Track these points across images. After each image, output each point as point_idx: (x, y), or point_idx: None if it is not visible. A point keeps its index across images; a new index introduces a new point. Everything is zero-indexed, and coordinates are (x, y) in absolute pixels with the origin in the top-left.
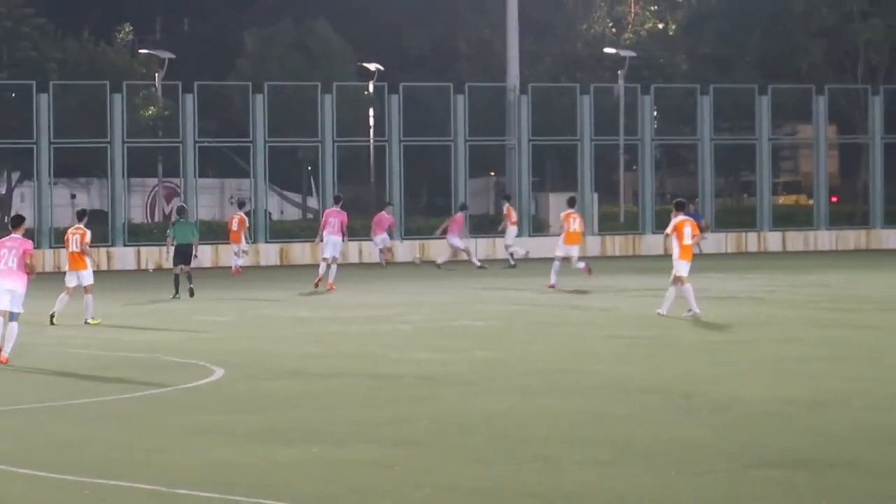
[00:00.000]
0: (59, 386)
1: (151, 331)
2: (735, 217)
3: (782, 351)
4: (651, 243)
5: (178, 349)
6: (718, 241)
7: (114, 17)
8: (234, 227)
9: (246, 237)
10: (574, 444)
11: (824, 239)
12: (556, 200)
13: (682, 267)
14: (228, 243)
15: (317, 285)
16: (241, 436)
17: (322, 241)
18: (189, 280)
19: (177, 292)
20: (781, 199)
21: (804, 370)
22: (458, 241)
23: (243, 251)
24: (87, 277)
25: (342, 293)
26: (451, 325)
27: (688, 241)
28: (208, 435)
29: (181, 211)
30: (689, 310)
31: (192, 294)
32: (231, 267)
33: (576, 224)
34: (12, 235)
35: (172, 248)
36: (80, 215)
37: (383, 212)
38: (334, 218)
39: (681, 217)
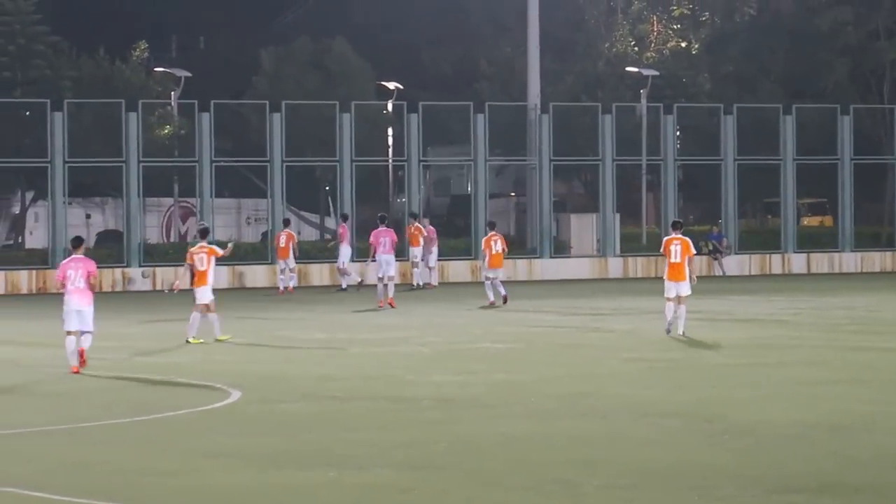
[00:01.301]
0: (72, 408)
1: (166, 352)
2: (759, 238)
3: (806, 374)
4: None
5: (193, 371)
6: (742, 263)
7: (129, 34)
8: (282, 243)
9: (295, 254)
10: (594, 468)
11: (849, 261)
12: (577, 221)
13: (667, 287)
14: (247, 264)
15: (381, 305)
16: (257, 459)
17: (374, 260)
18: None
19: None
20: (806, 221)
21: (828, 393)
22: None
23: (290, 270)
24: (206, 295)
25: (361, 315)
26: (470, 348)
27: (675, 259)
28: (223, 458)
29: (204, 232)
30: (674, 332)
31: None
32: (279, 287)
33: (497, 246)
34: (74, 256)
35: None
36: (204, 233)
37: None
38: (385, 237)
39: (669, 236)
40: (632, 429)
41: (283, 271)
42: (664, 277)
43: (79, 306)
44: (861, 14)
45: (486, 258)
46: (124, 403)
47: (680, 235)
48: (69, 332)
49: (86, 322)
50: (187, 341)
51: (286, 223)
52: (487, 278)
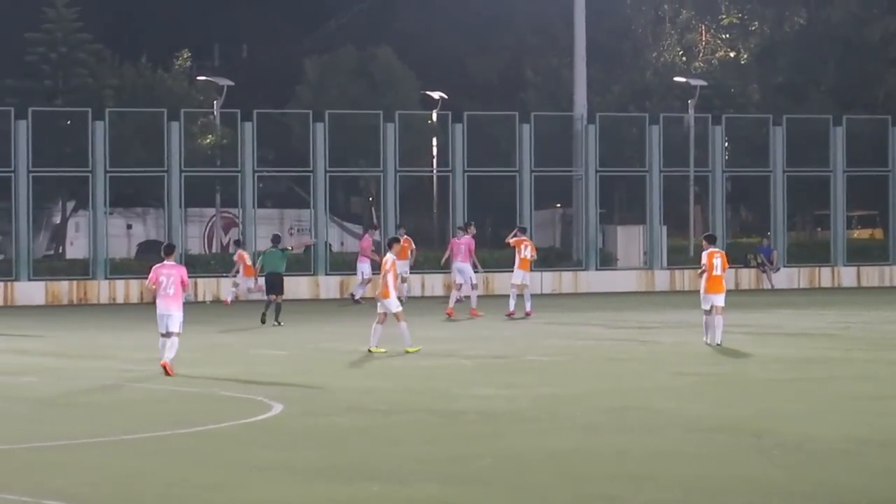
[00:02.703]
0: (114, 420)
1: (208, 364)
2: (808, 251)
3: (856, 389)
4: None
5: (235, 383)
6: (791, 276)
7: (172, 43)
8: (248, 261)
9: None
10: (641, 484)
11: None
12: (624, 233)
13: (706, 298)
14: (290, 275)
15: (449, 314)
16: (300, 473)
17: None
18: (277, 311)
19: (264, 320)
20: (856, 233)
21: (878, 409)
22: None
23: (236, 284)
24: (392, 305)
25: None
26: (515, 361)
27: (717, 272)
28: (266, 471)
29: (276, 239)
30: (711, 340)
31: (278, 322)
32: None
33: (527, 251)
34: (166, 262)
35: (262, 278)
36: (391, 243)
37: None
38: (463, 246)
39: (710, 249)
40: (679, 444)
41: (243, 287)
42: (703, 291)
43: (168, 311)
44: None
45: (518, 261)
46: (167, 415)
47: (718, 248)
48: (162, 335)
49: (174, 324)
50: (369, 350)
51: (238, 244)
52: (514, 285)
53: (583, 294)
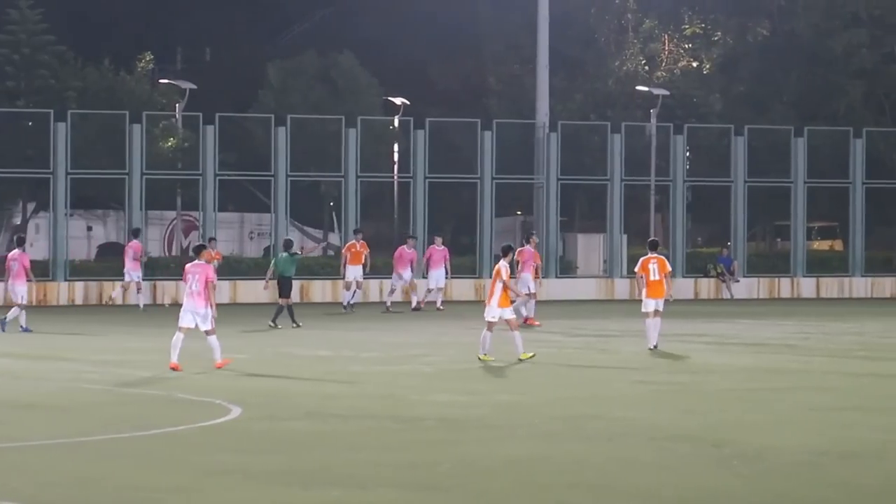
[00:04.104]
0: (72, 422)
1: (167, 367)
2: (768, 262)
3: (815, 400)
4: (681, 287)
5: (193, 387)
6: (750, 287)
7: (134, 45)
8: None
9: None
10: (600, 493)
11: (859, 286)
12: (584, 241)
13: (647, 303)
14: (249, 279)
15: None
16: (259, 477)
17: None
18: (291, 314)
19: (274, 322)
20: (816, 245)
21: (837, 420)
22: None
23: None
24: (503, 313)
25: (365, 333)
26: (474, 367)
27: (654, 277)
28: (224, 475)
29: (287, 244)
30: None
31: (297, 324)
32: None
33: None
34: (196, 262)
35: (272, 281)
36: (506, 251)
37: (403, 246)
38: (437, 255)
39: (646, 255)
40: (639, 453)
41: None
42: (643, 297)
43: (194, 309)
44: (876, 36)
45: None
46: (125, 418)
47: (656, 255)
48: (180, 328)
49: (205, 322)
50: (479, 358)
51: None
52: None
53: (542, 301)
